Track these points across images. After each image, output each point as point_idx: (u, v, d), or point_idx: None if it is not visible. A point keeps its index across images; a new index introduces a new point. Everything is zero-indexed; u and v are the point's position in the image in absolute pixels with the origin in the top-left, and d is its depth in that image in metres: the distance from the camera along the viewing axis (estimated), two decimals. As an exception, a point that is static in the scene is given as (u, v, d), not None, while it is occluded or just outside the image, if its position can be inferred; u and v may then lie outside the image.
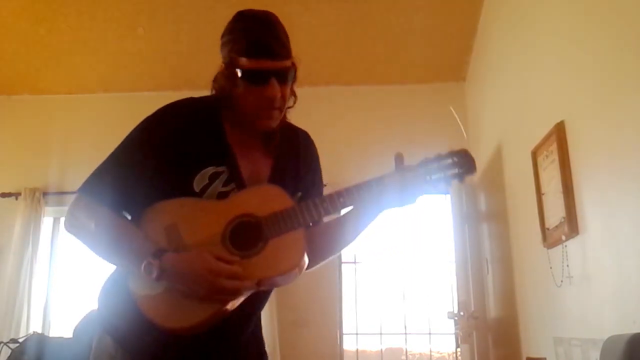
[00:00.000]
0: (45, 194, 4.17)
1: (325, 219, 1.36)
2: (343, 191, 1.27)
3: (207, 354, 1.27)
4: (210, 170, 1.27)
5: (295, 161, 1.41)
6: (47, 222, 4.26)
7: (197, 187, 1.26)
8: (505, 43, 3.22)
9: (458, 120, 1.65)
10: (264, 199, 1.27)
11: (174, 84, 4.24)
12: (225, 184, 1.28)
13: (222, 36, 1.33)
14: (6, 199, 4.19)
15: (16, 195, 4.18)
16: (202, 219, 1.24)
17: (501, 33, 3.31)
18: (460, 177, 1.31)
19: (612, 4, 1.89)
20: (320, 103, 3.91)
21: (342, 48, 3.98)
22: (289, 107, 1.37)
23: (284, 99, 1.31)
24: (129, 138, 1.33)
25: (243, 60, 1.25)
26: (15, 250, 4.02)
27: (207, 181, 1.27)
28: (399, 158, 1.32)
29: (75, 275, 4.30)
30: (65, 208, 4.32)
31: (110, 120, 4.36)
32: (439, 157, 1.32)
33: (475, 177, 3.99)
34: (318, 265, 1.40)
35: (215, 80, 1.36)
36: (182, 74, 4.18)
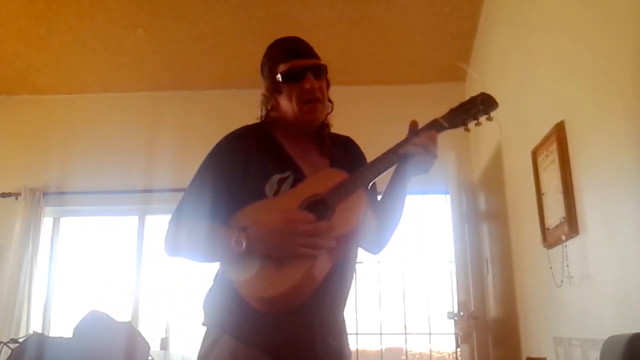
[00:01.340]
0: (45, 194, 4.17)
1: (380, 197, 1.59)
2: (386, 151, 1.47)
3: (312, 332, 1.39)
4: (276, 177, 1.44)
5: (348, 160, 1.58)
6: (47, 222, 4.26)
7: (269, 194, 1.42)
8: (505, 43, 3.23)
9: (470, 71, 1.88)
10: (324, 180, 1.43)
11: (174, 84, 4.25)
12: (293, 185, 1.44)
13: (261, 68, 1.57)
14: (6, 199, 4.20)
15: (16, 195, 4.18)
16: (275, 210, 1.38)
17: (501, 33, 3.31)
18: (486, 112, 1.54)
19: (612, 4, 1.89)
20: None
21: (342, 48, 3.98)
22: (328, 114, 1.58)
23: (321, 91, 1.51)
24: (201, 169, 1.50)
25: (281, 66, 1.48)
26: (15, 250, 4.02)
27: (276, 186, 1.43)
28: (413, 123, 1.53)
29: (75, 275, 4.31)
30: (66, 208, 4.30)
31: (110, 120, 4.37)
32: (463, 104, 1.55)
33: (475, 177, 3.99)
34: (390, 238, 1.63)
35: (262, 103, 1.57)
36: (182, 74, 4.18)
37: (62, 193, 4.20)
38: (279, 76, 1.48)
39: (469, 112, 1.54)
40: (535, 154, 2.56)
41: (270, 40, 1.60)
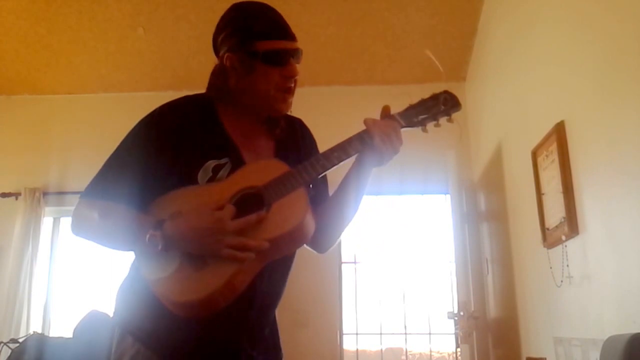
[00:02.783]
0: (45, 194, 4.17)
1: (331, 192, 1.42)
2: (335, 146, 1.31)
3: (230, 341, 1.26)
4: (211, 163, 1.27)
5: (295, 145, 1.43)
6: (47, 222, 4.26)
7: (201, 181, 1.26)
8: (505, 43, 3.22)
9: (435, 60, 1.71)
10: (261, 171, 1.27)
11: (174, 84, 4.25)
12: (230, 173, 1.28)
13: (221, 30, 1.37)
14: (6, 199, 4.20)
15: (16, 195, 4.18)
16: (204, 200, 1.22)
17: (501, 33, 3.31)
18: (447, 113, 1.39)
19: (612, 4, 1.89)
20: (320, 103, 3.91)
21: (342, 48, 3.98)
22: None
23: (296, 81, 1.35)
24: (126, 140, 1.33)
25: (263, 43, 1.29)
26: (15, 250, 4.02)
27: (210, 174, 1.27)
28: (385, 110, 1.39)
29: (75, 275, 4.31)
30: (66, 208, 4.29)
31: (110, 120, 4.36)
32: (423, 100, 1.40)
33: (475, 177, 3.99)
34: (339, 237, 1.43)
35: (214, 74, 1.39)
36: (182, 74, 4.18)
37: (62, 193, 4.19)
38: (259, 53, 1.29)
39: (430, 111, 1.38)
40: (535, 154, 2.56)
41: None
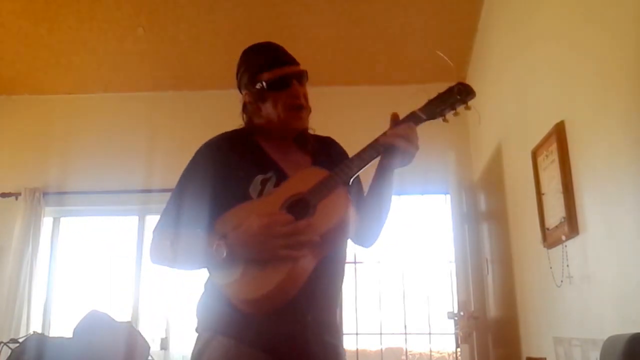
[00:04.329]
0: (45, 194, 4.17)
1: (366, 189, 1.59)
2: (366, 146, 1.47)
3: (304, 327, 1.39)
4: (259, 178, 1.45)
5: (329, 157, 1.59)
6: (47, 222, 4.26)
7: (253, 195, 1.43)
8: (505, 43, 3.23)
9: (446, 59, 1.81)
10: (305, 179, 1.43)
11: (174, 84, 4.26)
12: (276, 185, 1.45)
13: (237, 73, 1.59)
14: (6, 199, 4.20)
15: (16, 195, 4.18)
16: (260, 211, 1.38)
17: (501, 33, 3.31)
18: (463, 101, 1.54)
19: (612, 4, 1.89)
20: (320, 103, 3.90)
21: (342, 48, 3.98)
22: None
23: (305, 98, 1.54)
24: (185, 172, 1.52)
25: (265, 74, 1.50)
26: (15, 250, 4.02)
27: (260, 187, 1.44)
28: (393, 117, 1.55)
29: (75, 275, 4.31)
30: (66, 208, 4.30)
31: (110, 120, 4.37)
32: (440, 94, 1.55)
33: (475, 177, 3.99)
34: (380, 231, 1.60)
35: (243, 111, 1.59)
36: (182, 74, 4.18)
37: (62, 193, 4.19)
38: (263, 84, 1.49)
39: (447, 103, 1.54)
40: (535, 154, 2.56)
41: (271, 40, 1.59)
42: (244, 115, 1.59)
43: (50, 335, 3.83)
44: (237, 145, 1.53)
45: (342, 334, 1.58)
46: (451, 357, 4.01)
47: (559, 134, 2.25)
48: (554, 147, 2.29)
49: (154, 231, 1.47)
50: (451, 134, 3.99)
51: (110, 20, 3.80)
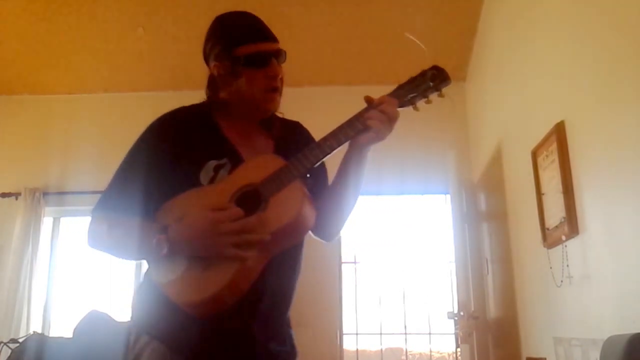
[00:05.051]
0: (45, 194, 4.17)
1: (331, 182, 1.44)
2: (327, 135, 1.32)
3: (243, 334, 1.28)
4: (212, 163, 1.32)
5: (295, 143, 1.44)
6: (47, 222, 4.26)
7: (204, 181, 1.30)
8: (505, 43, 3.22)
9: (417, 41, 1.69)
10: (259, 167, 1.31)
11: (174, 84, 4.25)
12: (230, 172, 1.32)
13: (207, 42, 1.44)
14: (6, 199, 4.20)
15: (16, 195, 4.18)
16: (206, 201, 1.26)
17: (501, 33, 3.31)
18: (436, 88, 1.38)
19: (612, 4, 1.89)
20: (320, 103, 3.91)
21: (342, 48, 3.98)
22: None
23: (282, 80, 1.40)
24: (129, 152, 1.38)
25: (244, 48, 1.35)
26: (15, 250, 4.02)
27: (212, 173, 1.31)
28: (368, 98, 1.38)
29: (75, 275, 4.31)
30: (66, 208, 4.29)
31: (110, 120, 4.37)
32: (412, 78, 1.41)
33: (475, 177, 3.99)
34: (343, 224, 1.45)
35: (209, 85, 1.45)
36: (182, 74, 4.18)
37: (62, 193, 4.19)
38: (240, 58, 1.34)
39: (418, 89, 1.38)
40: (535, 154, 2.56)
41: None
42: (208, 90, 1.45)
43: (50, 335, 3.83)
44: (193, 123, 1.39)
45: (292, 337, 1.42)
46: (451, 357, 4.01)
47: (559, 133, 2.25)
48: (554, 147, 2.29)
49: (92, 211, 1.34)
50: (451, 134, 4.00)
51: (110, 20, 3.80)
